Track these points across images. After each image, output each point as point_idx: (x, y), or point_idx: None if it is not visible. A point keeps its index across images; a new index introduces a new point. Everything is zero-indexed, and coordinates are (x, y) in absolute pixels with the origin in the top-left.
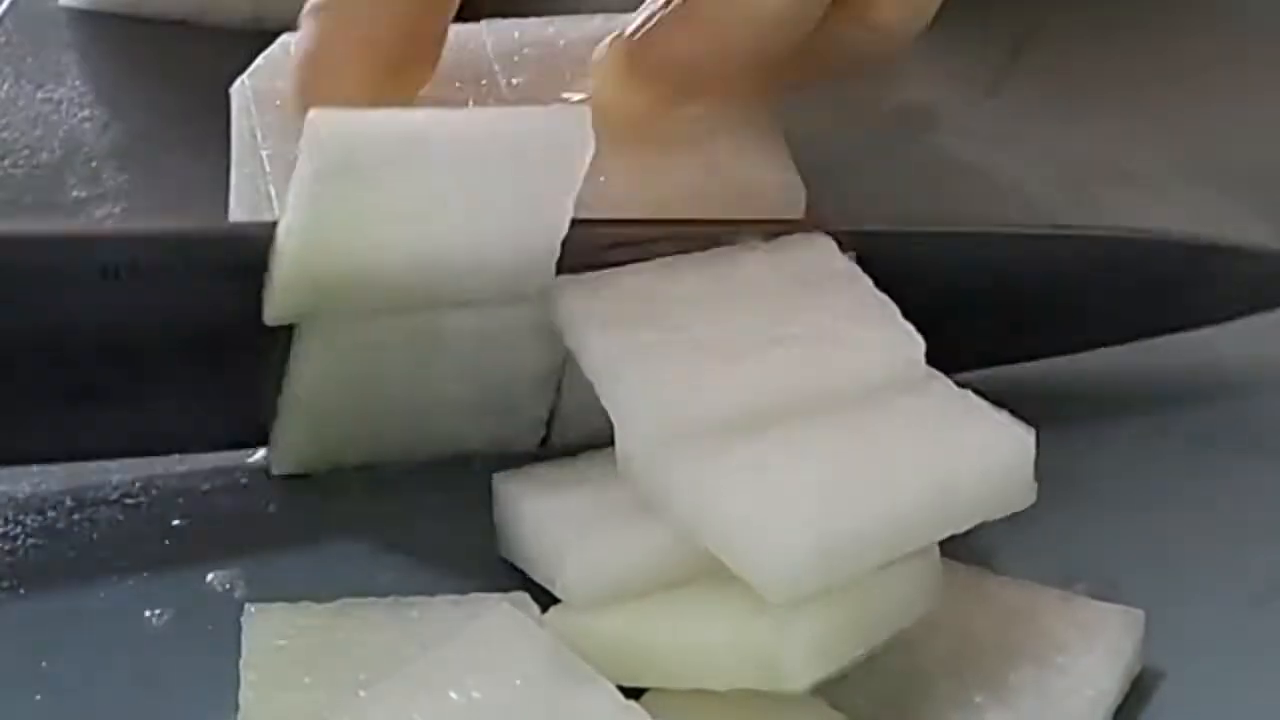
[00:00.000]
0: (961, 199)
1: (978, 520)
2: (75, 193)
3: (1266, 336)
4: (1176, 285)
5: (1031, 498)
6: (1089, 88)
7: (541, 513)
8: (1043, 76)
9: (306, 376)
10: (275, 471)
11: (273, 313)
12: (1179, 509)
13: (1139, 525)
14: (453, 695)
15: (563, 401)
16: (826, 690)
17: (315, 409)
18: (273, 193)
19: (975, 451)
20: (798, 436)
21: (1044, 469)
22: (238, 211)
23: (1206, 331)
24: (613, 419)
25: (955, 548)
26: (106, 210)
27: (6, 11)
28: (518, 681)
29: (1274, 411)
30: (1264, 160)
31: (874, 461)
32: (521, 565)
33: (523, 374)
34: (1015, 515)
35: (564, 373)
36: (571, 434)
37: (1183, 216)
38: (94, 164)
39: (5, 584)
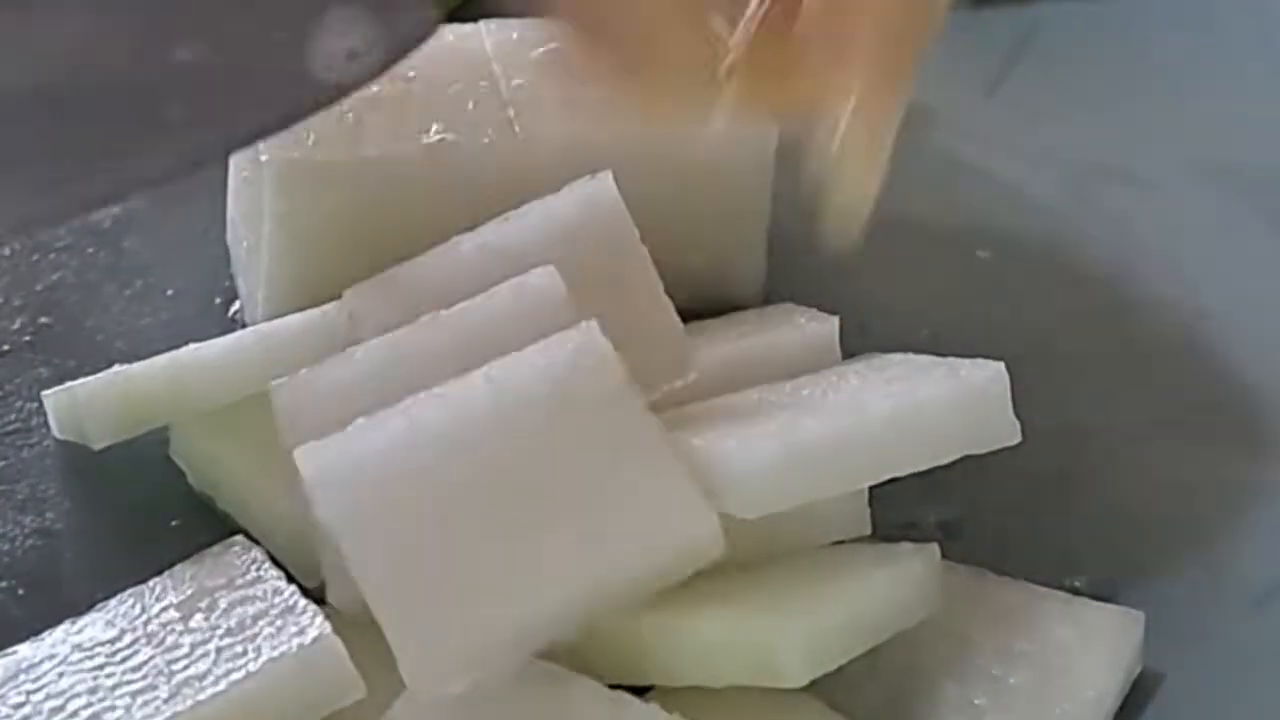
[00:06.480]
0: (961, 199)
1: (961, 450)
2: None
3: (1266, 335)
4: None
5: (1015, 435)
6: (1089, 88)
7: None
8: (1043, 76)
9: None
10: None
11: None
12: (1179, 509)
13: (1139, 525)
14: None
15: None
16: (826, 690)
17: None
18: (267, 195)
19: (945, 379)
20: (750, 400)
21: (1044, 469)
22: (235, 212)
23: (1206, 330)
24: None
25: (955, 548)
26: (106, 210)
27: None
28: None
29: (1274, 411)
30: (1264, 160)
31: (837, 396)
32: None
33: None
34: (1015, 515)
35: None
36: None
37: (1183, 216)
38: None
39: (5, 584)
